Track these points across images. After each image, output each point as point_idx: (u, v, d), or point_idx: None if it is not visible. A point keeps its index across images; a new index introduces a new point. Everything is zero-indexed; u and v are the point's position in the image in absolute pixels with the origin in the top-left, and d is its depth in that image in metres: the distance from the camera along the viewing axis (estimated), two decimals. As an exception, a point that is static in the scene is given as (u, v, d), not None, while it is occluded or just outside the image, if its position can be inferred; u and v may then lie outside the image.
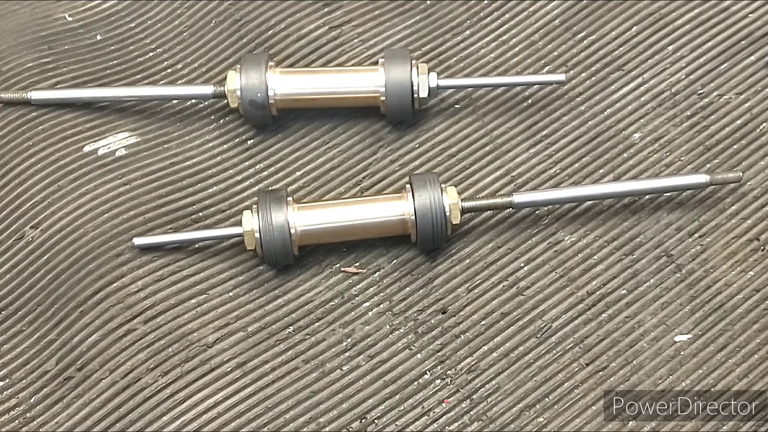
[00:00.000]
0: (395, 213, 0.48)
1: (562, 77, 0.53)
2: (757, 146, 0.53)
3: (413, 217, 0.48)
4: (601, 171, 0.52)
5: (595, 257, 0.50)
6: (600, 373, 0.46)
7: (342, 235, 0.49)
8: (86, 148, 0.54)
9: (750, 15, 0.57)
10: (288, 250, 0.48)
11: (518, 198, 0.49)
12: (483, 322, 0.48)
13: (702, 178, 0.49)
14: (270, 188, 0.52)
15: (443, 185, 0.48)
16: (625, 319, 0.47)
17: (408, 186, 0.49)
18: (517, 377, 0.47)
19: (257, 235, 0.47)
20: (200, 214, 0.52)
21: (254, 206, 0.48)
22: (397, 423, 0.46)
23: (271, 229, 0.47)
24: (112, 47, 0.58)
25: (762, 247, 0.49)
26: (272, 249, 0.47)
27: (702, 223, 0.48)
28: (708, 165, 0.52)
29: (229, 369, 0.47)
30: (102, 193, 0.51)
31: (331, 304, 0.49)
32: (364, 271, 0.50)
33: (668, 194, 0.51)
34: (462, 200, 0.49)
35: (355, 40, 0.58)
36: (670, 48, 0.56)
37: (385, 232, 0.49)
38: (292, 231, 0.48)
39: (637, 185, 0.49)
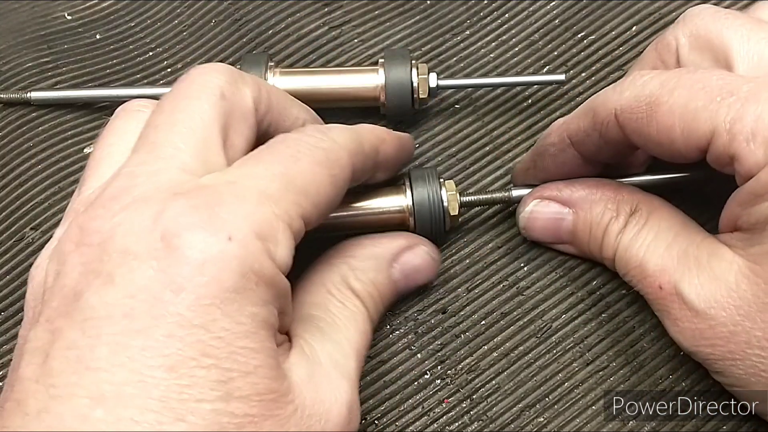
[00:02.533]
0: (393, 206, 0.48)
1: (562, 77, 0.53)
2: (757, 146, 0.53)
3: (411, 213, 0.48)
4: (601, 171, 0.52)
5: (595, 257, 0.50)
6: (600, 372, 0.46)
7: (343, 230, 0.49)
8: (87, 150, 0.54)
9: (750, 15, 0.57)
10: None
11: (516, 192, 0.49)
12: (483, 322, 0.48)
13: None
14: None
15: (441, 179, 0.48)
16: (625, 319, 0.47)
17: (407, 180, 0.48)
18: (517, 377, 0.47)
19: None
20: (200, 214, 0.52)
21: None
22: (397, 423, 0.46)
23: None
24: (112, 46, 0.58)
25: (762, 247, 0.49)
26: None
27: (703, 222, 0.48)
28: (708, 165, 0.52)
29: (229, 369, 0.47)
30: (102, 194, 0.51)
31: (331, 304, 0.49)
32: (365, 270, 0.50)
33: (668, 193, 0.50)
34: (460, 195, 0.48)
35: (355, 40, 0.58)
36: (670, 48, 0.56)
37: (384, 226, 0.49)
38: None
39: (635, 181, 0.49)
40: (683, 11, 0.56)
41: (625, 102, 0.41)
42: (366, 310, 0.44)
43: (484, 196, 0.49)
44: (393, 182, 0.49)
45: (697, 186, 0.48)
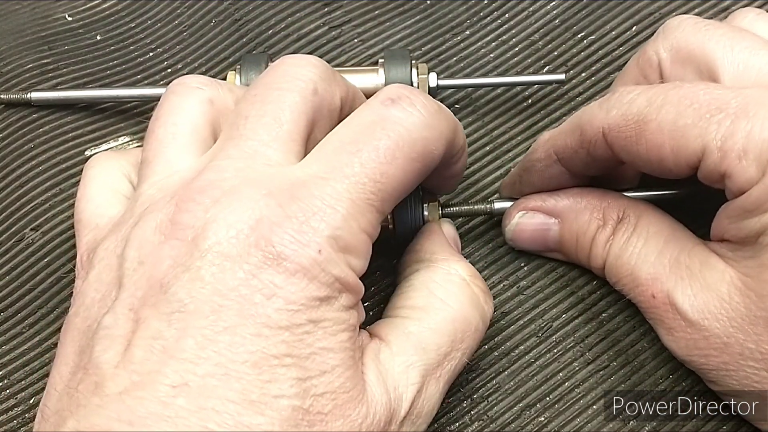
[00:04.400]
0: None
1: (562, 77, 0.53)
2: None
3: (393, 225, 0.47)
4: (602, 170, 0.52)
5: (595, 257, 0.50)
6: (601, 372, 0.46)
7: None
8: (87, 152, 0.54)
9: (750, 14, 0.57)
10: None
11: (499, 204, 0.49)
12: (483, 322, 0.48)
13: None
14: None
15: (423, 194, 0.48)
16: (625, 319, 0.47)
17: None
18: (518, 376, 0.47)
19: None
20: (200, 214, 0.52)
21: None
22: (397, 423, 0.46)
23: None
24: (113, 47, 0.58)
25: (762, 247, 0.49)
26: None
27: (701, 224, 0.48)
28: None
29: (229, 370, 0.47)
30: (102, 196, 0.51)
31: (331, 304, 0.49)
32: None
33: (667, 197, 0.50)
34: (441, 206, 0.48)
35: (355, 40, 0.58)
36: (670, 47, 0.56)
37: None
38: None
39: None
40: (683, 11, 0.57)
41: (612, 121, 0.40)
42: (478, 295, 0.43)
43: (467, 208, 0.49)
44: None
45: (687, 200, 0.48)
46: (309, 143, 0.39)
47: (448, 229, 0.47)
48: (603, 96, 0.44)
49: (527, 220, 0.47)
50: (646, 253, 0.43)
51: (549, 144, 0.45)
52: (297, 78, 0.40)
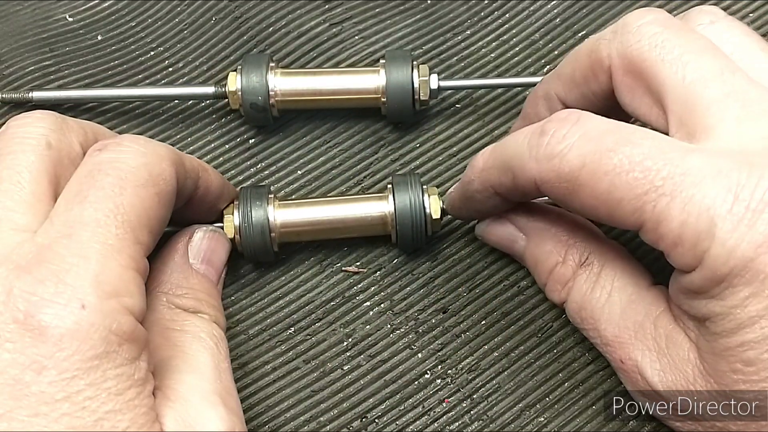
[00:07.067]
0: (375, 212, 0.48)
1: (562, 78, 0.53)
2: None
3: (393, 217, 0.48)
4: (602, 170, 0.52)
5: (595, 257, 0.50)
6: (600, 372, 0.47)
7: (322, 233, 0.49)
8: (89, 152, 0.54)
9: (750, 14, 0.57)
10: (267, 246, 0.48)
11: None
12: (483, 322, 0.48)
13: None
14: (254, 185, 0.52)
15: (425, 186, 0.48)
16: (625, 319, 0.47)
17: (390, 186, 0.49)
18: (518, 377, 0.47)
19: (237, 226, 0.47)
20: (202, 214, 0.52)
21: (235, 202, 0.48)
22: (397, 422, 0.46)
23: (250, 222, 0.47)
24: (113, 47, 0.58)
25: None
26: (251, 243, 0.47)
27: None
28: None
29: (230, 371, 0.47)
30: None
31: (331, 303, 0.49)
32: (365, 270, 0.50)
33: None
34: (443, 201, 0.48)
35: (356, 38, 0.57)
36: (671, 46, 0.56)
37: (366, 231, 0.49)
38: (272, 226, 0.48)
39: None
40: (682, 11, 0.57)
41: (544, 176, 0.38)
42: (205, 319, 0.43)
43: None
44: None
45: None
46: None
47: (200, 235, 0.46)
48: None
49: (497, 225, 0.47)
50: (609, 310, 0.42)
51: (483, 177, 0.43)
52: (27, 137, 0.39)
